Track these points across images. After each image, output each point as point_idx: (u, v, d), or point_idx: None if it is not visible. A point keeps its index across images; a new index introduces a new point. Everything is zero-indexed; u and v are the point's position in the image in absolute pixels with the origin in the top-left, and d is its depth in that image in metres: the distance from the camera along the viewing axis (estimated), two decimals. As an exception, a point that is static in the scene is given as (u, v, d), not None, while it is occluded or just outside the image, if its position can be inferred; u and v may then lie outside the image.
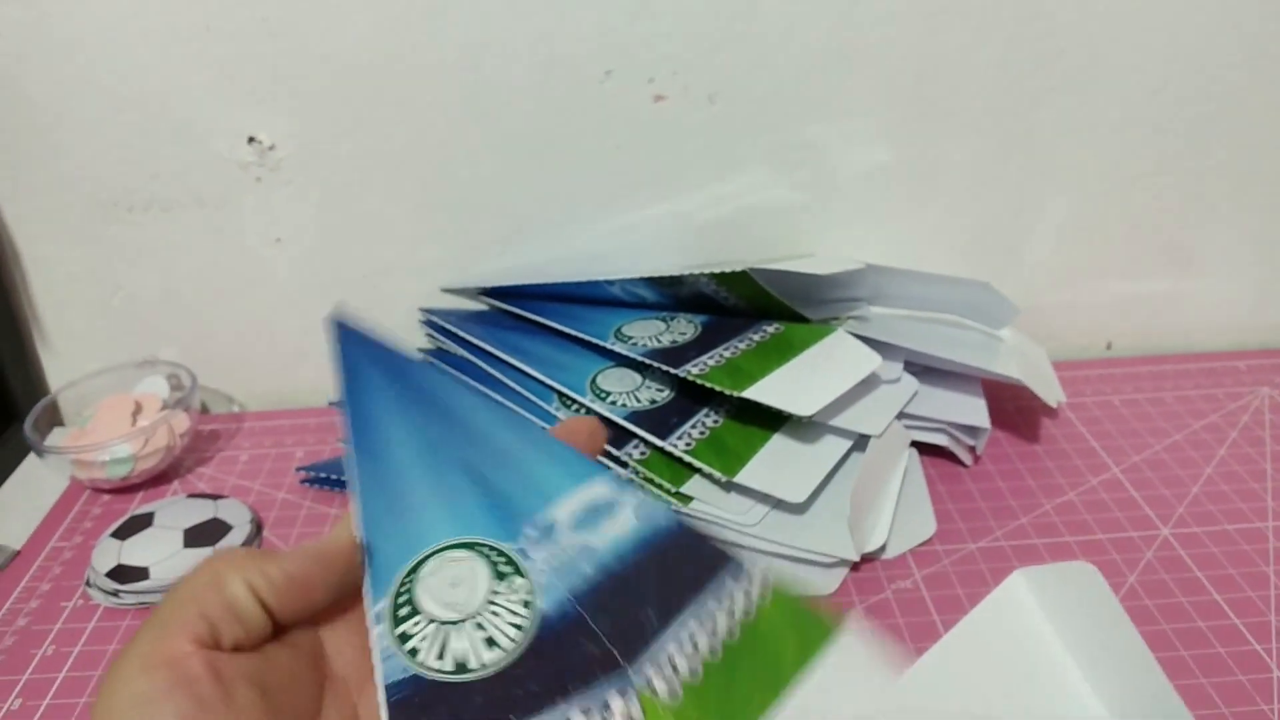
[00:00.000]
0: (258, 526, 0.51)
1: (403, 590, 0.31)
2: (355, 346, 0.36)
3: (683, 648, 0.31)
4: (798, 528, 0.46)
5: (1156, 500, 0.51)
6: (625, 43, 0.54)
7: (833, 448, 0.48)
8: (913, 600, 0.45)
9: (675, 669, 0.30)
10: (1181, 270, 0.64)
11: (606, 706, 0.29)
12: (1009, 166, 0.59)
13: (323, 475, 0.54)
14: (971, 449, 0.54)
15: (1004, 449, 0.56)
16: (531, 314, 0.56)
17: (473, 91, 0.55)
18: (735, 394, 0.47)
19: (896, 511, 0.49)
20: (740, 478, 0.46)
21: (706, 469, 0.47)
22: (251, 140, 0.56)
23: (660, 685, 0.30)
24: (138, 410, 0.57)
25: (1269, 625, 0.43)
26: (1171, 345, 0.67)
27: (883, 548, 0.48)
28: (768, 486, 0.46)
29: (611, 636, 0.31)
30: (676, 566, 0.32)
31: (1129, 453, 0.55)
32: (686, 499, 0.48)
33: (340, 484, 0.53)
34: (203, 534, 0.49)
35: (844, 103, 0.57)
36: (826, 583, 0.46)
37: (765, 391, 0.47)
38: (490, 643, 0.30)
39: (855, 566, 0.47)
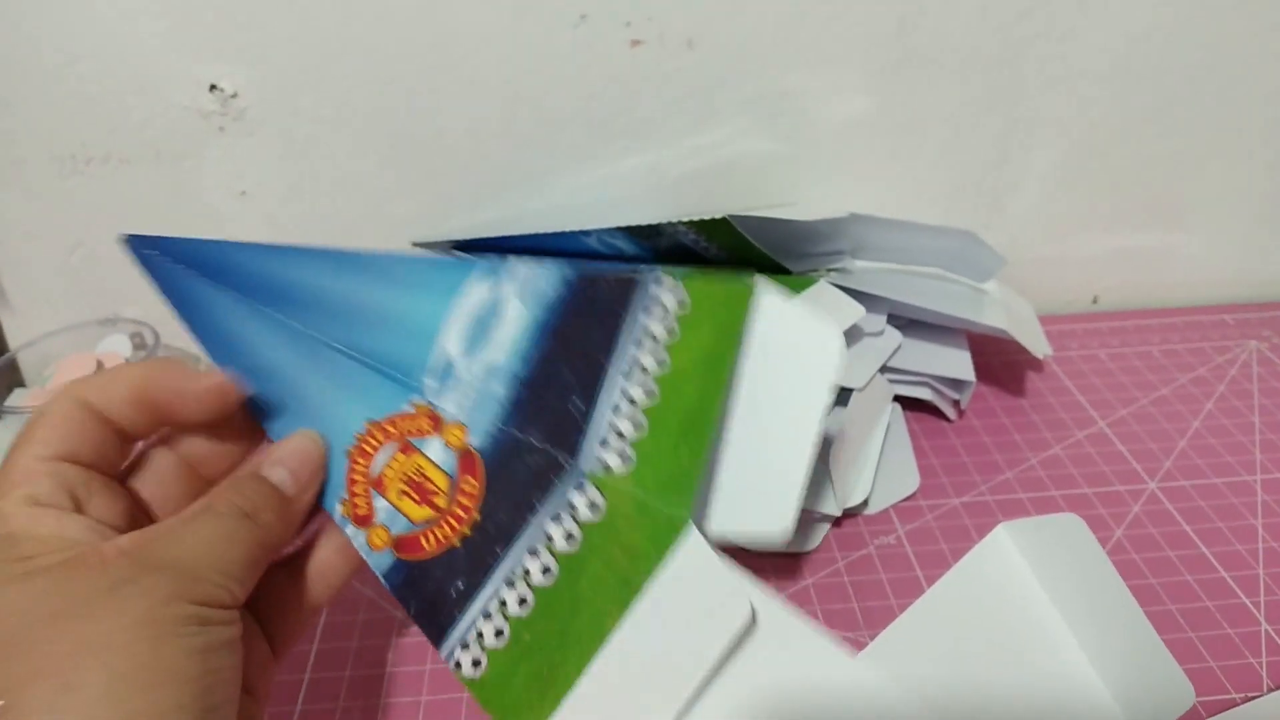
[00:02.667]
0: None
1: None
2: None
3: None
4: (779, 483, 0.45)
5: (1143, 454, 0.50)
6: (599, -14, 0.53)
7: (814, 402, 0.47)
8: (896, 555, 0.44)
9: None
10: (1169, 223, 0.63)
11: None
12: (993, 116, 0.58)
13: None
14: (956, 403, 0.53)
15: (988, 403, 0.55)
16: (505, 268, 0.54)
17: (441, 38, 0.53)
18: None
19: (879, 466, 0.48)
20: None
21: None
22: (213, 88, 0.54)
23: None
24: (100, 369, 0.55)
25: (1257, 578, 0.42)
26: (1158, 299, 0.66)
27: (865, 503, 0.47)
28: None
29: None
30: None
31: (1115, 406, 0.54)
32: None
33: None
34: (166, 494, 0.47)
35: (825, 50, 0.55)
36: (809, 539, 0.45)
37: None
38: None
39: (837, 522, 0.46)
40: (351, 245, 0.59)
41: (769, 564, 0.44)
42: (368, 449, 0.31)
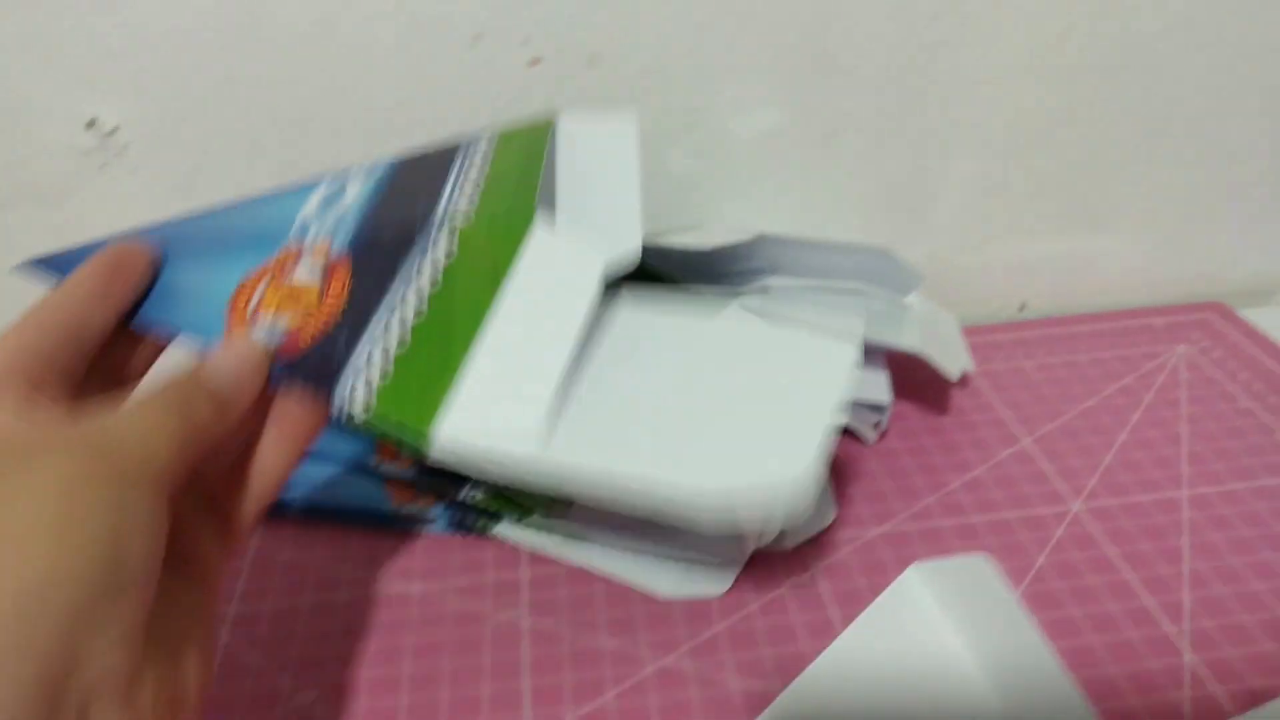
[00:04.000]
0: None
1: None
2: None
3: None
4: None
5: (1068, 472, 0.49)
6: (495, 2, 0.50)
7: (724, 435, 0.45)
8: (811, 596, 0.42)
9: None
10: (1094, 225, 0.62)
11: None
12: (909, 125, 0.56)
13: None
14: (875, 425, 0.51)
15: (911, 423, 0.53)
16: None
17: (329, 63, 0.51)
18: None
19: (795, 499, 0.46)
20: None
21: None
22: (91, 124, 0.51)
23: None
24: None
25: (1181, 604, 0.41)
26: (1088, 303, 0.64)
27: (779, 538, 0.45)
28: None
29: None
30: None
31: (1041, 422, 0.52)
32: (567, 503, 0.44)
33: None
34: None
35: (732, 62, 0.53)
36: (717, 584, 0.43)
37: None
38: None
39: (750, 561, 0.44)
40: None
41: (675, 610, 0.42)
42: (244, 294, 0.34)
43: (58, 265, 0.33)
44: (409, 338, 0.33)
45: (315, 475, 0.47)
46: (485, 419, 0.32)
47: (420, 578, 0.44)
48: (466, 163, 0.40)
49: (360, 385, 0.32)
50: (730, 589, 0.43)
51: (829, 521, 0.46)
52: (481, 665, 0.40)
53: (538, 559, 0.45)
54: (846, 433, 0.51)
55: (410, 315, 0.33)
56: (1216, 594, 0.42)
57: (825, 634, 0.40)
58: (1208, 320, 0.61)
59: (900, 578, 0.37)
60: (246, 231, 0.36)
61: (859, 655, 0.38)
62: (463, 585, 0.44)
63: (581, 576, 0.43)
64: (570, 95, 0.53)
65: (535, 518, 0.45)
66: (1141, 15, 0.54)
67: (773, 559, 0.44)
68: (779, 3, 0.51)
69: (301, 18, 0.49)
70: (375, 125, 0.53)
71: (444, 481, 0.46)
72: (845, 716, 0.36)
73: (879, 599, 0.38)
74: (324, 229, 0.36)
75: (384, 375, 0.32)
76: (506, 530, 0.45)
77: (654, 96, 0.54)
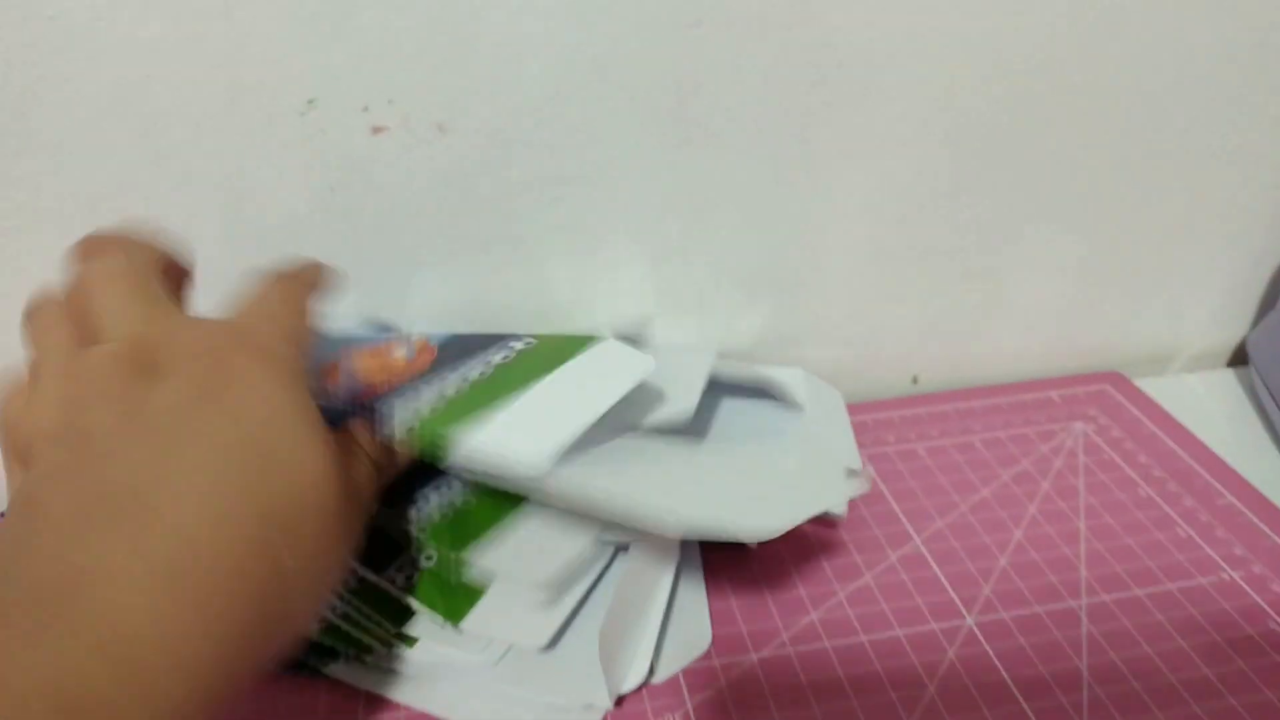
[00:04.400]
0: None
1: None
2: None
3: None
4: (543, 666, 0.39)
5: (961, 579, 0.45)
6: (327, 66, 0.45)
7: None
8: (680, 744, 0.38)
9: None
10: (987, 293, 0.59)
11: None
12: (790, 192, 0.52)
13: None
14: (758, 530, 0.47)
15: (796, 522, 0.49)
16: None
17: (143, 130, 0.45)
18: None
19: (668, 623, 0.42)
20: (468, 623, 0.38)
21: (428, 613, 0.39)
22: None
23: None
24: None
25: (1081, 743, 0.38)
26: (982, 375, 0.61)
27: (651, 673, 0.40)
28: (503, 630, 0.38)
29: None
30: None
31: (933, 517, 0.49)
32: (410, 641, 0.39)
33: None
34: None
35: (599, 128, 0.49)
36: (575, 736, 0.38)
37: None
38: None
39: (618, 701, 0.40)
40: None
41: (531, 769, 0.37)
42: (341, 356, 0.41)
43: None
44: (467, 388, 0.38)
45: None
46: (503, 440, 0.35)
47: (239, 734, 0.38)
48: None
49: (413, 412, 0.36)
50: (591, 739, 0.38)
51: (703, 649, 0.42)
52: None
53: (377, 703, 0.39)
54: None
55: (474, 376, 0.39)
56: (1118, 728, 0.38)
57: (695, 795, 0.36)
58: (1105, 393, 0.58)
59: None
60: (353, 331, 0.44)
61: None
62: (288, 740, 0.38)
63: (424, 728, 0.38)
64: (419, 163, 0.48)
65: (376, 654, 0.40)
66: (1028, 79, 0.51)
67: (641, 697, 0.40)
68: (644, 65, 0.47)
69: (101, 84, 0.43)
70: (199, 198, 0.47)
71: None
72: None
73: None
74: (424, 334, 0.44)
75: (434, 407, 0.36)
76: (342, 670, 0.40)
77: (513, 167, 0.49)
